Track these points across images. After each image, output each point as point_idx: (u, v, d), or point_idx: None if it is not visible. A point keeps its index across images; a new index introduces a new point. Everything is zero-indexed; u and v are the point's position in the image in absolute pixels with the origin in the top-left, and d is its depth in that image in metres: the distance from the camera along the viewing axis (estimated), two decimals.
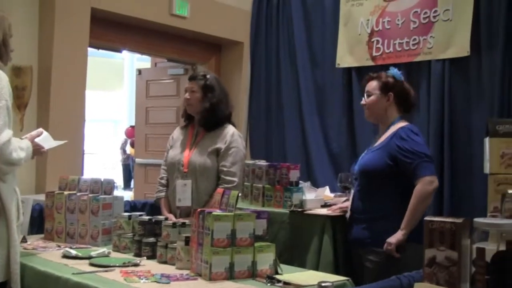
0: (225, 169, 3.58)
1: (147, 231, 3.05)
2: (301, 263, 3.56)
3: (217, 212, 2.66)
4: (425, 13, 4.72)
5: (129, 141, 14.58)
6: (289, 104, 5.69)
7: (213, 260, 2.51)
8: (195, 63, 6.45)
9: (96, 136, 16.12)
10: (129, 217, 3.21)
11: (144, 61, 9.71)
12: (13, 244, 2.72)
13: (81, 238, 3.35)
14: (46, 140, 3.05)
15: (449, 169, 4.48)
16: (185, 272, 2.66)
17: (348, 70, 5.24)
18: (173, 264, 2.80)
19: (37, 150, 2.93)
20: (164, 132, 6.45)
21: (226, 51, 6.42)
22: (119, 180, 14.62)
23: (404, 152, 3.28)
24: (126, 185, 15.31)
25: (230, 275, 2.54)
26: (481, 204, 4.04)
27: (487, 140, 2.14)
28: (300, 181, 4.17)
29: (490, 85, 4.36)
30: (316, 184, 4.90)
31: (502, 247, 1.75)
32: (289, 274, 2.65)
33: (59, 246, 3.22)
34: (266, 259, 2.63)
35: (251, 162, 4.36)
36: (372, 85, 3.52)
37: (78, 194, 3.42)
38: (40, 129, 3.03)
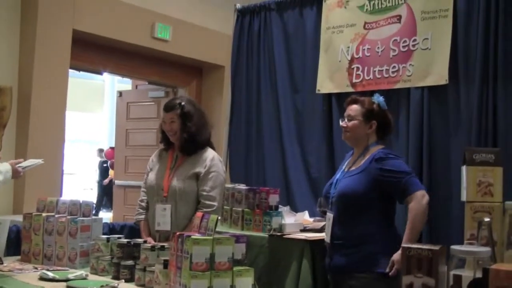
0: (204, 193, 3.59)
1: (126, 254, 3.03)
2: (280, 287, 3.55)
3: (196, 235, 2.65)
4: (405, 41, 4.79)
5: (108, 162, 14.52)
6: (269, 129, 5.70)
7: (192, 284, 2.50)
8: (176, 86, 6.48)
9: (76, 157, 16.01)
10: (108, 240, 3.19)
11: (125, 83, 9.72)
12: None
13: (58, 260, 3.32)
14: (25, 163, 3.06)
15: (428, 192, 4.51)
16: None
17: (328, 96, 5.27)
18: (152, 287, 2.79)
19: (16, 173, 2.92)
20: (144, 154, 6.45)
21: (207, 75, 6.46)
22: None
23: (388, 172, 3.28)
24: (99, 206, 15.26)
25: None
26: (459, 230, 4.09)
27: (464, 169, 2.18)
28: (280, 206, 4.18)
29: (468, 113, 4.41)
30: (295, 209, 4.90)
31: (479, 274, 1.77)
32: None
33: (36, 268, 3.19)
34: (244, 283, 2.63)
35: (230, 186, 4.36)
36: (355, 109, 3.51)
37: (56, 216, 3.40)
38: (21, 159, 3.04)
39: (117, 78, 12.70)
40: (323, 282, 3.68)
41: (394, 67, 4.83)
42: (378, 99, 3.54)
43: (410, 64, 4.73)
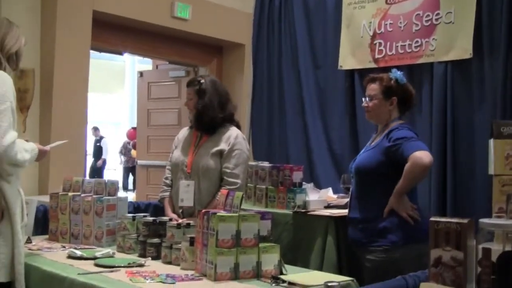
0: (228, 170, 3.59)
1: (152, 232, 3.05)
2: (305, 264, 3.57)
3: (222, 213, 2.66)
4: (428, 15, 4.73)
5: (130, 143, 14.57)
6: (291, 106, 5.70)
7: (218, 261, 2.52)
8: (196, 65, 6.47)
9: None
10: (133, 218, 3.21)
11: (145, 64, 9.74)
12: (17, 244, 2.73)
13: (85, 239, 3.35)
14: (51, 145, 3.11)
15: (452, 170, 4.49)
16: (190, 272, 2.67)
17: (351, 72, 5.24)
18: (178, 265, 2.80)
19: (42, 153, 2.94)
20: (166, 133, 6.47)
21: (227, 54, 6.43)
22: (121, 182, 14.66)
23: (392, 142, 3.27)
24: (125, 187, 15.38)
25: (235, 275, 2.54)
26: (483, 205, 4.08)
27: (491, 142, 2.15)
28: (303, 182, 4.18)
29: (493, 87, 4.37)
30: (319, 186, 4.91)
31: (508, 248, 1.76)
32: (294, 274, 2.66)
33: (63, 247, 3.23)
34: (270, 259, 2.64)
35: (254, 163, 4.37)
36: (374, 88, 3.49)
37: (82, 195, 3.42)
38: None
39: (138, 58, 12.74)
40: (347, 257, 3.69)
41: (417, 42, 4.78)
42: (395, 74, 3.50)
43: (433, 39, 4.68)
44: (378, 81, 3.50)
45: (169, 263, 2.87)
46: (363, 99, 3.58)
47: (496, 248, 1.81)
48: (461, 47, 4.52)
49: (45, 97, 4.70)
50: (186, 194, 3.59)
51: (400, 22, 4.90)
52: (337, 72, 5.33)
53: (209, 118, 3.64)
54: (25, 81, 4.54)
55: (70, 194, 3.46)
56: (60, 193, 3.49)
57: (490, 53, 4.41)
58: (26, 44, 3.00)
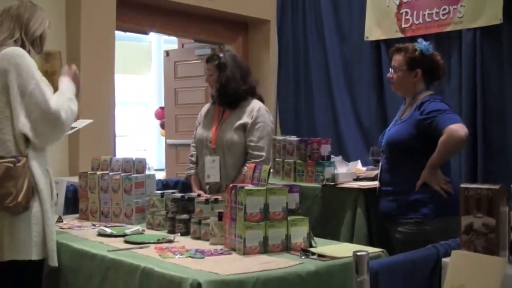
0: (252, 144, 3.59)
1: (180, 208, 3.06)
2: (335, 237, 3.54)
3: (249, 186, 2.66)
4: None
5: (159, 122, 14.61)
6: (317, 80, 5.67)
7: (247, 235, 2.52)
8: (222, 43, 6.44)
9: (127, 119, 16.18)
10: (162, 195, 3.23)
11: (171, 43, 9.70)
12: (48, 222, 2.76)
13: (115, 217, 3.38)
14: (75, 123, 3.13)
15: (483, 138, 4.41)
16: (219, 247, 2.68)
17: (377, 43, 5.17)
18: (207, 240, 2.81)
19: (76, 81, 2.99)
20: (193, 112, 6.44)
21: (253, 30, 6.39)
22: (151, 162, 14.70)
23: (425, 115, 3.24)
24: None
25: (264, 249, 2.55)
26: None
27: None
28: (332, 156, 4.15)
29: None
30: (347, 159, 4.86)
31: None
32: (324, 246, 2.65)
33: (94, 225, 3.27)
34: (299, 232, 2.63)
35: (281, 138, 4.35)
36: (398, 59, 3.45)
37: (111, 173, 3.45)
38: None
39: (163, 38, 12.71)
40: (377, 230, 3.66)
41: (444, 9, 4.68)
42: (421, 45, 3.44)
43: (461, 5, 4.58)
44: (403, 51, 3.46)
45: (198, 238, 2.89)
46: (390, 69, 3.54)
47: None
48: (490, 13, 4.41)
49: None
50: (212, 170, 3.59)
51: None
52: (363, 44, 5.26)
53: (232, 90, 3.63)
54: (52, 63, 4.55)
55: (99, 173, 3.48)
56: (88, 172, 3.52)
57: None
58: (50, 27, 3.01)
